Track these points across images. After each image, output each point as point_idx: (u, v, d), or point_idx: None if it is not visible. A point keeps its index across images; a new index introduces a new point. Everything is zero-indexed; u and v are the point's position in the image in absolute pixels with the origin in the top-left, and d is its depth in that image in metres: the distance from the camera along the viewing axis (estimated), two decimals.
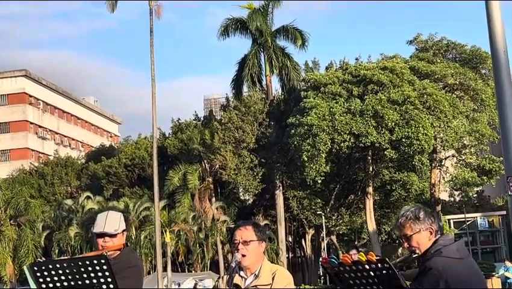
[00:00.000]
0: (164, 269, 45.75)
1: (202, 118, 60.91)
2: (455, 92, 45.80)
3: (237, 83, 52.88)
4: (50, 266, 4.41)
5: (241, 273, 4.61)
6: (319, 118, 41.95)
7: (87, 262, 4.38)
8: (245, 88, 53.49)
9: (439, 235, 4.47)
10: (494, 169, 44.00)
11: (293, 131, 43.29)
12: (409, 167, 45.90)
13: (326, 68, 53.35)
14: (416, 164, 41.59)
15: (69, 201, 56.68)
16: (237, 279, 4.56)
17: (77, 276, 4.39)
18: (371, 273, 4.20)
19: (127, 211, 49.01)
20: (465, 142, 45.42)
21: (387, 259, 4.24)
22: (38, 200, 56.53)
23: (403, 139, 40.58)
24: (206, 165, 51.58)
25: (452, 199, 64.37)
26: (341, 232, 56.70)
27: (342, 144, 41.67)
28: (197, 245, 51.20)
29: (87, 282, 4.39)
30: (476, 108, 45.58)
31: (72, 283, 4.40)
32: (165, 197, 50.33)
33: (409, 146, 40.54)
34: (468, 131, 43.31)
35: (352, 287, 4.32)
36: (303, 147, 42.04)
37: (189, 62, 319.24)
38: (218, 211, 52.23)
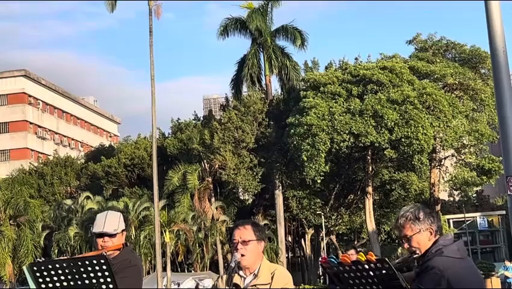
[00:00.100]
0: (164, 269, 45.75)
1: (201, 118, 60.88)
2: (455, 92, 45.80)
3: (237, 83, 52.90)
4: (50, 266, 4.41)
5: (240, 273, 4.62)
6: (318, 118, 41.95)
7: (87, 262, 4.38)
8: (244, 88, 53.54)
9: (439, 235, 4.48)
10: (493, 169, 44.02)
11: (292, 131, 43.29)
12: (408, 167, 45.92)
13: (326, 68, 53.35)
14: (416, 163, 41.59)
15: (69, 201, 56.65)
16: (236, 279, 4.57)
17: (77, 276, 4.39)
18: (371, 273, 4.21)
19: (126, 210, 49.00)
20: (464, 142, 45.43)
21: (387, 258, 4.24)
22: (37, 200, 56.54)
23: (403, 139, 40.59)
24: (206, 165, 51.58)
25: (452, 199, 64.37)
26: (340, 232, 56.70)
27: (341, 144, 41.67)
28: (197, 245, 51.19)
29: (87, 282, 4.39)
30: (476, 107, 45.59)
31: (72, 283, 4.40)
32: (165, 197, 50.32)
33: (408, 146, 40.55)
34: (467, 131, 43.32)
35: (352, 287, 4.32)
36: (303, 146, 42.04)
37: (189, 62, 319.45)
38: (217, 210, 52.22)
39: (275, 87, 54.45)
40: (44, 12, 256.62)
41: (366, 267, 4.20)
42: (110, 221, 5.12)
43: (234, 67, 53.41)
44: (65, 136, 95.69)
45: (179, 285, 44.90)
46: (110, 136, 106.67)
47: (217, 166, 50.29)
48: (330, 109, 42.38)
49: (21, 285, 49.53)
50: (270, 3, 52.10)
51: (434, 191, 47.24)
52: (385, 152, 42.22)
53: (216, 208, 52.13)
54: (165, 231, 47.39)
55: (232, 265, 4.50)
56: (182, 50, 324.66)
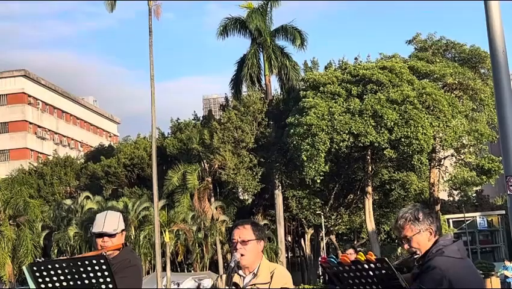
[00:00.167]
0: (163, 269, 45.75)
1: (201, 118, 60.89)
2: (454, 91, 45.80)
3: (236, 83, 52.89)
4: (50, 266, 4.41)
5: (240, 272, 4.62)
6: (318, 117, 41.95)
7: (86, 262, 4.38)
8: (244, 88, 53.53)
9: (438, 236, 4.48)
10: (493, 168, 44.03)
11: (292, 131, 43.29)
12: (408, 167, 45.93)
13: (325, 67, 53.33)
14: (415, 163, 41.59)
15: (68, 201, 56.66)
16: (235, 278, 4.57)
17: (76, 276, 4.39)
18: (371, 273, 4.21)
19: (126, 210, 49.00)
20: (464, 141, 45.43)
21: (386, 258, 4.24)
22: (37, 200, 56.52)
23: (403, 139, 40.59)
24: (206, 165, 51.58)
25: (451, 199, 64.40)
26: (340, 232, 56.71)
27: (341, 144, 41.67)
28: (197, 245, 51.19)
29: (86, 282, 4.39)
30: (475, 107, 45.59)
31: (71, 283, 4.40)
32: (165, 197, 50.32)
33: (408, 146, 40.55)
34: (467, 130, 43.32)
35: (351, 287, 4.32)
36: (303, 146, 42.04)
37: (188, 62, 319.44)
38: (217, 210, 52.22)
39: (275, 87, 54.49)
40: (44, 12, 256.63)
41: (366, 266, 4.20)
42: (110, 221, 5.12)
43: (234, 67, 53.47)
44: (64, 136, 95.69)
45: (178, 285, 44.90)
46: (110, 136, 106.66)
47: (216, 166, 50.29)
48: (330, 109, 42.38)
49: (21, 285, 49.53)
50: (270, 3, 52.09)
51: (434, 190, 47.24)
52: (384, 152, 42.21)
53: (216, 208, 52.13)
54: (164, 231, 47.39)
55: (232, 265, 4.50)
56: (182, 50, 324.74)
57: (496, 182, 48.50)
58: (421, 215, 4.47)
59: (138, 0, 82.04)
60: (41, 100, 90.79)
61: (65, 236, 51.72)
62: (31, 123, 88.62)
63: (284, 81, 51.88)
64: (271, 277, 4.57)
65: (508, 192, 7.70)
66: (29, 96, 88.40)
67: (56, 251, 51.97)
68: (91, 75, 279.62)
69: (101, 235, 5.09)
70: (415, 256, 4.44)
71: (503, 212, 65.33)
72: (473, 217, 71.18)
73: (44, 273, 4.41)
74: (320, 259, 4.97)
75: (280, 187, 49.70)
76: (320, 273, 52.82)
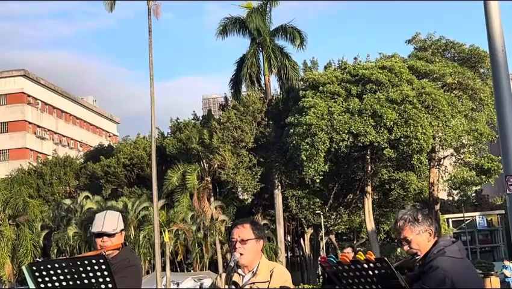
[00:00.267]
0: (163, 269, 45.74)
1: (200, 118, 60.89)
2: (454, 91, 45.81)
3: (236, 82, 52.86)
4: (49, 266, 4.41)
5: (239, 271, 4.63)
6: (318, 117, 41.95)
7: (86, 262, 4.38)
8: (244, 88, 53.51)
9: (437, 236, 4.49)
10: (492, 168, 44.03)
11: (291, 130, 43.28)
12: (408, 166, 45.92)
13: (325, 67, 53.33)
14: (415, 163, 41.58)
15: (68, 201, 56.64)
16: (234, 277, 4.58)
17: (76, 276, 4.39)
18: (370, 272, 4.21)
19: (126, 210, 48.99)
20: (463, 141, 45.43)
21: (386, 258, 4.24)
22: (36, 200, 56.53)
23: (402, 139, 40.59)
24: (205, 164, 51.57)
25: (451, 198, 64.43)
26: (340, 232, 56.73)
27: (341, 144, 41.66)
28: (196, 244, 51.17)
29: (86, 281, 4.39)
30: (475, 107, 45.58)
31: (71, 283, 4.40)
32: (164, 196, 50.30)
33: (407, 145, 40.54)
34: (466, 130, 43.31)
35: (351, 286, 4.32)
36: (302, 146, 42.03)
37: (188, 61, 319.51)
38: (217, 210, 52.22)
39: (274, 87, 54.48)
40: (43, 12, 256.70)
41: (365, 266, 4.20)
42: (109, 221, 5.12)
43: (233, 66, 53.44)
44: (64, 136, 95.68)
45: (178, 284, 44.88)
46: (109, 136, 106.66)
47: (216, 166, 50.29)
48: (330, 108, 42.38)
49: (20, 285, 49.55)
50: (269, 2, 52.07)
51: (433, 190, 47.24)
52: (384, 152, 42.20)
53: (215, 208, 52.13)
54: (164, 231, 47.38)
55: (232, 264, 4.50)
56: (182, 50, 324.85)
57: (495, 182, 48.54)
58: (420, 217, 4.48)
59: (137, 0, 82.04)
60: (41, 100, 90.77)
61: (64, 236, 51.71)
62: (30, 123, 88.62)
63: (284, 81, 51.85)
64: (271, 275, 4.58)
65: (508, 192, 7.70)
66: (29, 95, 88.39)
67: (55, 251, 51.96)
68: (91, 75, 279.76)
69: (100, 234, 5.09)
70: (416, 257, 4.45)
71: (503, 211, 65.35)
72: (473, 216, 71.23)
73: (44, 273, 4.41)
74: (319, 258, 4.96)
75: (279, 187, 49.69)
76: (320, 273, 52.85)
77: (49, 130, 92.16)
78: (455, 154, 46.50)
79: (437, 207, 47.66)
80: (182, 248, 51.65)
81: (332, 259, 4.38)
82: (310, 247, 58.76)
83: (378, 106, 40.97)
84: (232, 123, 49.81)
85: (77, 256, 5.53)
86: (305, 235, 57.89)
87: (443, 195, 56.02)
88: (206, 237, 51.09)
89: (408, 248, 4.47)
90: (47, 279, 4.41)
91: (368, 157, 45.48)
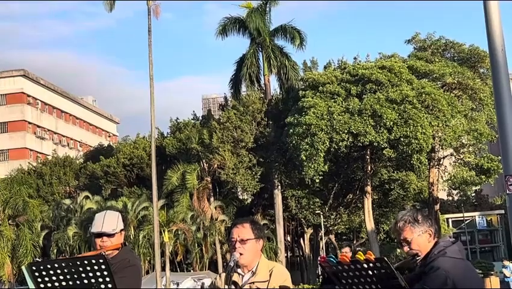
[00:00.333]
0: (163, 269, 45.75)
1: (200, 118, 60.89)
2: (453, 91, 45.81)
3: (235, 82, 52.86)
4: (49, 266, 4.41)
5: (239, 271, 4.63)
6: (317, 117, 41.95)
7: (86, 262, 4.37)
8: (243, 88, 53.51)
9: (437, 237, 4.50)
10: (492, 168, 44.02)
11: (291, 130, 43.28)
12: (407, 166, 45.92)
13: (325, 67, 53.33)
14: (414, 163, 41.58)
15: (67, 201, 56.64)
16: (234, 277, 4.57)
17: (75, 276, 4.38)
18: (370, 272, 4.21)
19: (125, 210, 48.98)
20: (463, 141, 45.43)
21: (385, 258, 4.24)
22: (36, 200, 56.51)
23: (402, 139, 40.59)
24: (205, 164, 51.57)
25: (451, 198, 64.39)
26: (339, 231, 56.71)
27: (340, 144, 41.66)
28: (196, 244, 51.17)
29: (86, 281, 4.39)
30: (475, 107, 45.58)
31: (71, 283, 4.40)
32: (164, 196, 50.31)
33: (407, 145, 40.54)
34: (466, 130, 43.31)
35: (351, 286, 4.32)
36: (302, 146, 42.03)
37: (188, 61, 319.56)
38: (216, 210, 52.23)
39: (274, 87, 54.51)
40: (43, 12, 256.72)
41: (365, 266, 4.20)
42: (108, 221, 5.12)
43: (233, 66, 53.45)
44: (64, 136, 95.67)
45: (178, 284, 44.88)
46: (109, 136, 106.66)
47: (216, 166, 50.29)
48: (329, 108, 42.38)
49: (20, 285, 49.55)
50: (269, 2, 52.06)
51: (433, 190, 47.24)
52: (384, 152, 42.20)
53: (215, 208, 52.14)
54: (164, 231, 47.38)
55: (231, 264, 4.50)
56: (181, 50, 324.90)
57: (495, 182, 48.53)
58: (420, 217, 4.49)
59: (137, 0, 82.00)
60: (41, 100, 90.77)
61: (64, 236, 51.72)
62: (30, 123, 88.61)
63: (283, 81, 51.85)
64: (270, 275, 4.58)
65: (507, 192, 7.70)
66: (29, 95, 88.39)
67: (55, 251, 51.97)
68: (90, 75, 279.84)
69: (100, 234, 5.08)
70: (417, 258, 4.45)
71: (503, 211, 65.29)
72: (472, 216, 71.15)
73: (44, 273, 4.40)
74: (319, 258, 4.95)
75: (279, 187, 49.70)
76: (320, 273, 52.86)
77: (48, 130, 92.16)
78: (455, 154, 46.50)
79: (437, 207, 47.66)
80: (182, 248, 51.65)
81: (331, 259, 4.38)
82: (310, 247, 58.77)
83: (378, 106, 40.97)
84: (231, 123, 49.81)
85: (77, 256, 5.53)
86: (305, 235, 57.90)
87: (442, 195, 55.99)
88: (206, 237, 51.09)
89: (408, 249, 4.47)
90: (47, 279, 4.41)
91: (368, 157, 45.48)
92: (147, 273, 48.57)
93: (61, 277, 4.39)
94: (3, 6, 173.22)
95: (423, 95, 41.64)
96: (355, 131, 41.21)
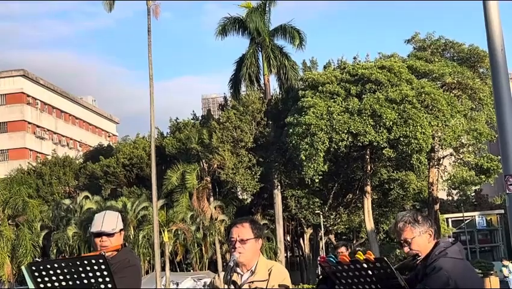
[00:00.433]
0: (163, 269, 45.75)
1: (200, 118, 60.88)
2: (453, 91, 45.82)
3: (235, 82, 52.85)
4: (49, 266, 4.41)
5: (238, 270, 4.63)
6: (317, 117, 41.95)
7: (85, 262, 4.38)
8: (243, 88, 53.49)
9: (437, 238, 4.50)
10: (492, 168, 44.05)
11: (291, 130, 43.28)
12: (407, 166, 45.91)
13: (324, 67, 53.32)
14: (414, 162, 41.59)
15: (67, 201, 56.62)
16: (233, 276, 4.58)
17: (75, 276, 4.38)
18: (369, 272, 4.21)
19: (125, 210, 48.98)
20: (463, 141, 45.45)
21: (385, 258, 4.24)
22: (36, 200, 56.51)
23: (401, 138, 40.59)
24: (205, 164, 51.58)
25: (450, 198, 64.45)
26: (339, 231, 56.70)
27: (340, 143, 41.67)
28: (196, 244, 51.18)
29: (85, 281, 4.39)
30: (474, 106, 45.59)
31: (70, 283, 4.40)
32: (164, 196, 50.30)
33: (407, 145, 40.55)
34: (466, 130, 43.33)
35: (350, 286, 4.32)
36: (301, 146, 42.04)
37: (187, 61, 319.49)
38: (216, 210, 52.22)
39: (274, 87, 54.51)
40: (43, 12, 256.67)
41: (365, 266, 4.20)
42: (108, 221, 5.12)
43: (233, 66, 53.43)
44: (63, 136, 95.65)
45: (177, 284, 44.89)
46: (109, 136, 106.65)
47: (215, 165, 50.29)
48: (329, 108, 42.38)
49: (20, 285, 49.54)
50: (269, 2, 52.04)
51: (433, 190, 47.26)
52: (383, 151, 42.21)
53: (215, 208, 52.14)
54: (163, 231, 47.38)
55: (231, 264, 4.50)
56: (181, 50, 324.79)
57: (494, 181, 48.54)
58: (420, 218, 4.50)
59: (136, 0, 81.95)
60: (40, 100, 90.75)
61: (64, 236, 51.70)
62: (29, 123, 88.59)
63: (283, 81, 51.84)
64: (269, 274, 4.58)
65: (507, 192, 7.70)
66: (28, 95, 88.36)
67: (55, 251, 51.96)
68: (90, 75, 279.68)
69: (99, 234, 5.08)
70: (418, 258, 4.45)
71: (502, 211, 65.28)
72: (472, 216, 71.12)
73: (43, 273, 4.41)
74: (319, 258, 4.95)
75: (279, 187, 49.70)
76: (319, 273, 52.84)
77: (48, 130, 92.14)
78: (455, 154, 46.52)
79: (437, 207, 47.69)
80: (182, 248, 51.65)
81: (331, 259, 4.38)
82: (309, 247, 58.76)
83: (377, 106, 40.98)
84: (231, 123, 49.80)
85: (76, 256, 5.53)
86: (305, 234, 57.89)
87: (442, 195, 56.02)
88: (205, 237, 51.10)
89: (409, 249, 4.47)
90: (46, 279, 4.41)
91: (367, 157, 45.49)
92: (147, 273, 48.57)
93: (61, 277, 4.39)
94: (3, 6, 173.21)
95: (423, 95, 41.65)
96: (354, 131, 41.21)
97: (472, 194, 70.87)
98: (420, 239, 4.44)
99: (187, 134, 53.53)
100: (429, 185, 47.47)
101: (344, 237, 60.29)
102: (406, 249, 4.49)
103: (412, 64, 44.70)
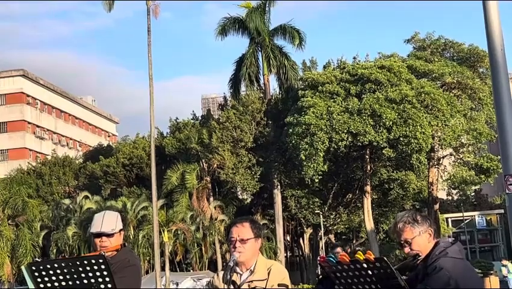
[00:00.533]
0: (162, 268, 45.74)
1: (199, 118, 60.86)
2: (453, 91, 45.82)
3: (235, 82, 52.85)
4: (48, 266, 4.41)
5: (237, 269, 4.63)
6: (317, 117, 41.95)
7: (85, 262, 4.38)
8: (243, 87, 53.49)
9: (437, 238, 4.50)
10: (491, 168, 44.05)
11: (290, 130, 43.29)
12: (407, 166, 45.92)
13: (324, 67, 53.31)
14: (414, 162, 41.59)
15: (67, 201, 56.61)
16: (233, 276, 4.58)
17: (75, 276, 4.38)
18: (369, 272, 4.21)
19: (125, 210, 48.97)
20: (463, 141, 45.45)
21: (385, 258, 4.24)
22: (36, 200, 56.50)
23: (401, 138, 40.59)
24: (204, 164, 51.57)
25: (450, 198, 64.40)
26: (339, 231, 56.71)
27: (340, 143, 41.66)
28: (195, 244, 51.17)
29: (85, 281, 4.39)
30: (474, 106, 45.59)
31: (70, 283, 4.40)
32: (163, 196, 50.30)
33: (407, 145, 40.55)
34: (466, 130, 43.33)
35: (350, 286, 4.32)
36: (301, 146, 42.04)
37: (187, 61, 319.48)
38: (216, 210, 52.22)
39: (273, 86, 54.56)
40: (43, 12, 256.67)
41: (365, 266, 4.20)
42: (108, 221, 5.12)
43: (232, 66, 53.43)
44: (63, 136, 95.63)
45: (177, 284, 44.88)
46: (108, 136, 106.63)
47: (215, 165, 50.28)
48: (329, 108, 42.38)
49: (19, 285, 49.52)
50: (268, 2, 52.04)
51: (432, 190, 47.25)
52: (383, 151, 42.20)
53: (215, 208, 52.13)
54: (163, 231, 47.38)
55: (231, 264, 4.51)
56: (181, 50, 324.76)
57: (494, 181, 48.54)
58: (419, 217, 4.50)
59: (136, 0, 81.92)
60: (40, 100, 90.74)
61: (64, 236, 51.69)
62: (29, 123, 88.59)
63: (283, 81, 51.84)
64: (269, 273, 4.59)
65: (507, 191, 7.71)
66: (28, 95, 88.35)
67: (55, 251, 51.94)
68: (90, 75, 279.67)
69: (99, 234, 5.08)
70: (418, 258, 4.45)
71: (502, 211, 65.25)
72: (472, 216, 71.08)
73: (43, 273, 4.41)
74: (318, 258, 4.95)
75: (279, 186, 49.69)
76: (319, 273, 52.81)
77: (48, 130, 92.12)
78: (454, 153, 46.52)
79: (436, 206, 47.67)
80: (182, 248, 51.65)
81: (331, 259, 4.38)
82: (309, 247, 58.75)
83: (377, 106, 40.98)
84: (231, 123, 49.80)
85: (76, 256, 5.53)
86: (304, 234, 57.89)
87: (442, 194, 56.00)
88: (205, 237, 51.09)
89: (409, 250, 4.47)
90: (46, 279, 4.41)
91: (367, 157, 45.48)
92: (147, 272, 48.56)
93: (61, 277, 4.39)
94: (3, 6, 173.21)
95: (423, 95, 41.65)
96: (354, 131, 41.21)
97: (472, 194, 70.86)
98: (420, 239, 4.44)
99: (187, 134, 53.52)
100: (429, 185, 47.46)
101: (343, 237, 60.34)
102: (406, 249, 4.49)
103: (412, 63, 44.70)
